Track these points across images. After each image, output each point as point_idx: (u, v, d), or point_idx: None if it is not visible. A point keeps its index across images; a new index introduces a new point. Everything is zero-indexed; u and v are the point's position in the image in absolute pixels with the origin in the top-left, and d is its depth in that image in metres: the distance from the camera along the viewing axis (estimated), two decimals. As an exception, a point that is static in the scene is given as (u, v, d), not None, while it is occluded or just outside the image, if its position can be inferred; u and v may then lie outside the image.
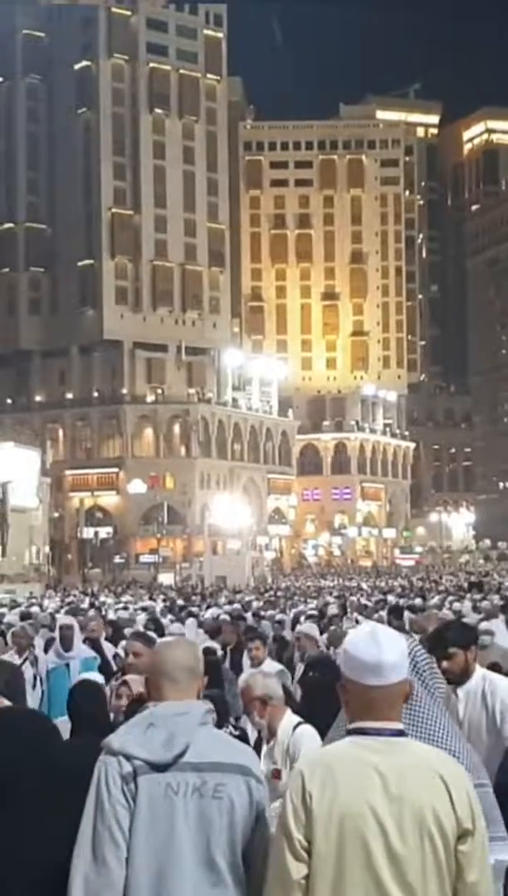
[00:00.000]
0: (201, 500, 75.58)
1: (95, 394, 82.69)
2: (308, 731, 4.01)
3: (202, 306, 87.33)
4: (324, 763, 2.13)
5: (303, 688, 5.32)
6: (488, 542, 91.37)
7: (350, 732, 2.17)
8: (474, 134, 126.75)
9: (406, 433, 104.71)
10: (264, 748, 4.07)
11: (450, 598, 20.55)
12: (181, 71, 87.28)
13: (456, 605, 16.98)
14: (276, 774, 3.91)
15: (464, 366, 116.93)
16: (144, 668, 4.96)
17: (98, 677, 4.78)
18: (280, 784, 3.69)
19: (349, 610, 16.58)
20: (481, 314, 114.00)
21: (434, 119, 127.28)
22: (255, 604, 20.61)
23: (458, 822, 2.07)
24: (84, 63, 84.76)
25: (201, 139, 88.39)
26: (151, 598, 27.48)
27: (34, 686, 7.55)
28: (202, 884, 2.26)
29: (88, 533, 73.46)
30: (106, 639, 9.56)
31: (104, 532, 74.05)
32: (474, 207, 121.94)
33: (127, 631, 10.79)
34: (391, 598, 21.39)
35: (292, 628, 12.21)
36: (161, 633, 9.65)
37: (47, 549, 65.88)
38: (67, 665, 7.10)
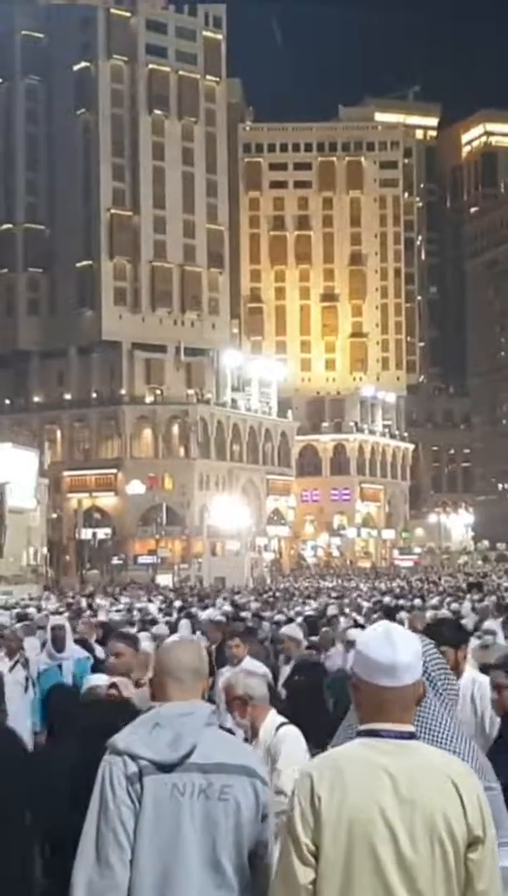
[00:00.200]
0: (200, 501, 75.53)
1: (94, 394, 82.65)
2: (292, 731, 3.95)
3: (201, 307, 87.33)
4: (334, 765, 2.08)
5: (289, 691, 5.27)
6: (486, 543, 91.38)
7: (361, 734, 2.12)
8: (473, 136, 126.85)
9: (405, 434, 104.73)
10: None
11: (448, 598, 20.53)
12: (180, 72, 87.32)
13: (454, 606, 16.96)
14: None
15: (463, 367, 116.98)
16: (125, 668, 4.90)
17: (101, 679, 4.69)
18: None
19: (346, 610, 16.52)
20: (480, 316, 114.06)
21: (433, 121, 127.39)
22: (253, 605, 20.57)
23: (469, 828, 2.03)
24: (83, 64, 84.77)
25: (201, 140, 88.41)
26: (148, 600, 27.45)
27: (26, 689, 7.47)
28: (207, 886, 2.23)
29: (86, 534, 73.37)
30: (96, 640, 9.50)
31: (102, 533, 73.98)
32: (473, 209, 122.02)
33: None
34: (386, 599, 21.34)
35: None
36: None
37: (45, 550, 65.80)
38: (60, 666, 7.03)
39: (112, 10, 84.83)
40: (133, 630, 11.07)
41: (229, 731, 4.95)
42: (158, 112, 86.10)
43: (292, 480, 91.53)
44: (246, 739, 4.09)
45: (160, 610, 19.71)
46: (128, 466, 78.33)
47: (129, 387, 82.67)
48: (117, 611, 19.08)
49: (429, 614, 13.54)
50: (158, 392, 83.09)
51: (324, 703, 4.59)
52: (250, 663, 6.38)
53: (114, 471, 79.25)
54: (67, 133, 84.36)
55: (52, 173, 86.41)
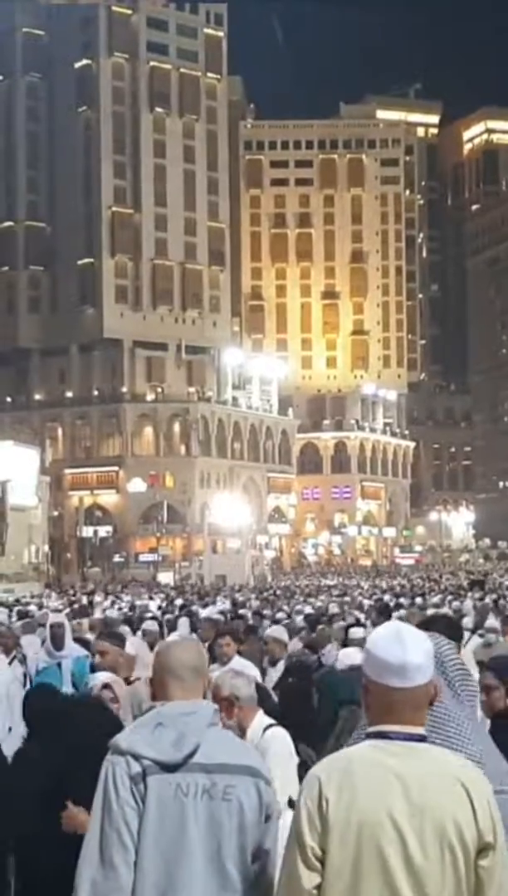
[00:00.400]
0: (201, 499, 75.55)
1: (95, 392, 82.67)
2: (279, 733, 3.90)
3: (202, 305, 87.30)
4: (342, 767, 2.04)
5: (280, 692, 5.22)
6: (488, 541, 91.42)
7: (370, 735, 2.08)
8: (474, 134, 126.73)
9: (406, 432, 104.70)
10: None
11: (449, 597, 20.54)
12: (182, 70, 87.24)
13: (455, 604, 16.97)
14: None
15: (464, 365, 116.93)
16: (110, 666, 4.83)
17: (105, 678, 4.62)
18: None
19: (345, 609, 16.53)
20: (481, 313, 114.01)
21: (435, 119, 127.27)
22: (254, 603, 20.58)
23: (479, 834, 1.99)
24: (84, 61, 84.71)
25: (202, 138, 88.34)
26: (150, 597, 27.48)
27: (24, 685, 7.48)
28: (211, 887, 2.22)
29: (87, 532, 73.40)
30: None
31: (104, 531, 74.01)
32: (474, 207, 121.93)
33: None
34: (387, 597, 21.36)
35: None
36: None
37: (46, 547, 65.81)
38: (59, 664, 7.03)
39: (113, 8, 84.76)
40: (127, 628, 11.10)
41: None
42: (159, 109, 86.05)
43: (292, 478, 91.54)
44: None
45: (159, 608, 19.74)
46: (129, 464, 78.36)
47: (130, 385, 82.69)
48: (119, 609, 19.09)
49: (430, 612, 13.56)
50: (160, 390, 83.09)
51: (314, 705, 4.57)
52: (238, 663, 6.32)
53: (115, 468, 79.29)
54: (68, 131, 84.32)
55: (53, 171, 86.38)
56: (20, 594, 31.39)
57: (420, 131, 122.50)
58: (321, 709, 4.40)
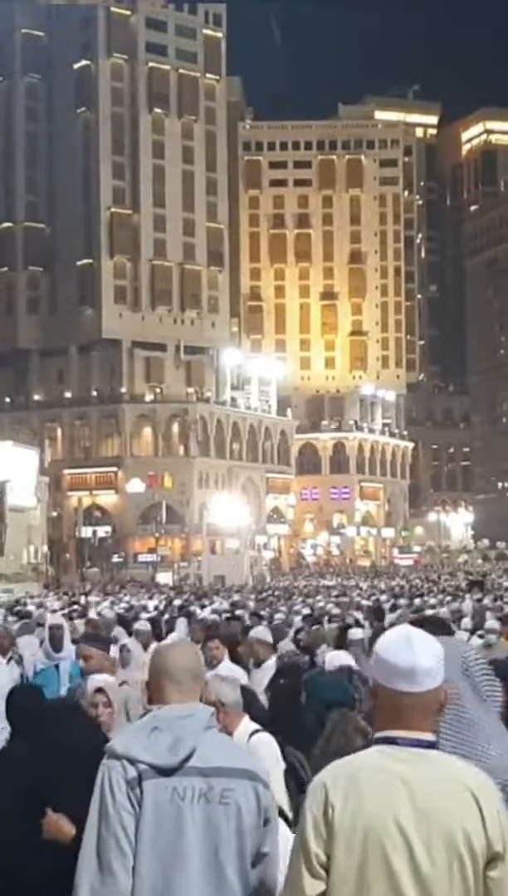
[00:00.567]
0: (200, 500, 75.56)
1: (94, 393, 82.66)
2: (265, 738, 3.85)
3: (201, 306, 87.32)
4: (348, 773, 2.01)
5: (272, 694, 5.18)
6: (486, 541, 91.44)
7: (378, 741, 2.05)
8: (472, 134, 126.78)
9: (405, 433, 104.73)
10: None
11: (448, 598, 20.58)
12: (180, 70, 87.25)
13: (454, 605, 17.01)
14: None
15: (463, 365, 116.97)
16: (95, 671, 4.71)
17: (99, 681, 4.62)
18: None
19: (344, 610, 16.55)
20: (479, 314, 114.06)
21: (433, 119, 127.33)
22: (251, 603, 20.60)
23: (489, 843, 1.94)
24: (83, 62, 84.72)
25: (201, 139, 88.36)
26: (149, 597, 27.51)
27: None
28: (209, 892, 2.20)
29: (86, 532, 73.39)
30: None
31: (102, 531, 74.01)
32: (472, 208, 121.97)
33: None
34: (383, 598, 21.38)
35: (288, 626, 12.19)
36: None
37: (45, 548, 65.80)
38: (57, 666, 7.02)
39: (112, 9, 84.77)
40: (122, 628, 11.11)
41: None
42: (158, 110, 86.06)
43: (291, 479, 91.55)
44: None
45: (155, 608, 19.76)
46: (128, 465, 78.36)
47: (129, 385, 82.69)
48: (120, 609, 19.12)
49: (429, 613, 13.60)
50: (158, 390, 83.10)
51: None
52: (226, 667, 6.22)
53: (114, 469, 79.29)
54: (68, 131, 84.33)
55: (52, 172, 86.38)
56: (19, 594, 31.43)
57: (419, 132, 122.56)
58: (308, 711, 4.38)
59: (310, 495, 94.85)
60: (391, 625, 10.71)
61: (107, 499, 78.88)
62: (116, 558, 72.29)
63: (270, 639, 7.13)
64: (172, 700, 2.35)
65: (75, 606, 21.05)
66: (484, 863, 1.94)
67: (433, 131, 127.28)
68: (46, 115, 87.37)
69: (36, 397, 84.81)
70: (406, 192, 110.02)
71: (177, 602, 22.75)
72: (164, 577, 55.16)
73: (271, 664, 6.68)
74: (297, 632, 11.15)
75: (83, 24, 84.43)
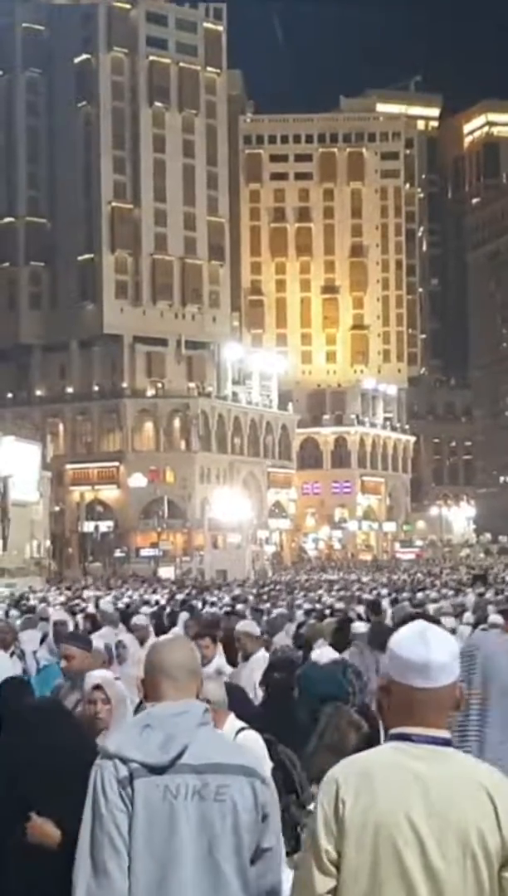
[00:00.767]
0: (202, 494, 75.62)
1: (96, 388, 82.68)
2: (251, 736, 3.81)
3: (202, 300, 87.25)
4: (361, 769, 1.99)
5: (266, 689, 5.15)
6: (488, 535, 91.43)
7: (393, 738, 2.02)
8: (474, 127, 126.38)
9: (407, 427, 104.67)
10: None
11: (450, 592, 20.61)
12: (181, 64, 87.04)
13: (457, 599, 17.04)
14: None
15: (465, 359, 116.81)
16: (77, 671, 4.68)
17: (98, 677, 4.59)
18: None
19: (347, 604, 16.59)
20: (481, 307, 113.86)
21: (435, 112, 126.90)
22: (252, 598, 20.64)
23: (504, 843, 1.91)
24: (84, 57, 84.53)
25: (201, 132, 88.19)
26: (153, 591, 27.58)
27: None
28: (205, 889, 2.19)
29: (88, 527, 73.52)
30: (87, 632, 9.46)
31: (105, 526, 74.13)
32: (474, 200, 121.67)
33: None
34: (383, 592, 21.41)
35: (290, 621, 12.24)
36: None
37: (48, 542, 65.96)
38: (60, 662, 7.04)
39: (112, 3, 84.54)
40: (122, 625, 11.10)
41: None
42: (158, 104, 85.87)
43: (292, 473, 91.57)
44: None
45: (157, 602, 19.79)
46: (129, 459, 78.41)
47: (130, 380, 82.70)
48: (121, 604, 19.18)
49: (432, 607, 13.63)
50: (160, 385, 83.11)
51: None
52: (218, 662, 6.17)
53: (116, 464, 79.34)
54: (68, 126, 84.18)
55: (53, 166, 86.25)
56: (21, 589, 31.50)
57: (420, 124, 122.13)
58: (301, 705, 4.37)
59: (311, 490, 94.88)
60: (392, 618, 10.73)
61: (109, 493, 78.96)
62: (118, 553, 72.40)
63: (257, 632, 7.02)
64: (168, 697, 2.34)
65: (77, 601, 21.11)
66: (500, 864, 1.91)
67: (434, 124, 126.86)
68: (47, 109, 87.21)
69: (38, 392, 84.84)
70: (408, 185, 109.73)
71: (180, 596, 22.80)
72: (166, 572, 55.23)
73: (258, 657, 6.60)
74: (299, 626, 11.19)
75: (84, 18, 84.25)
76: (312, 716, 4.02)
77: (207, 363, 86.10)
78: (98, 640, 7.88)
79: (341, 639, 7.42)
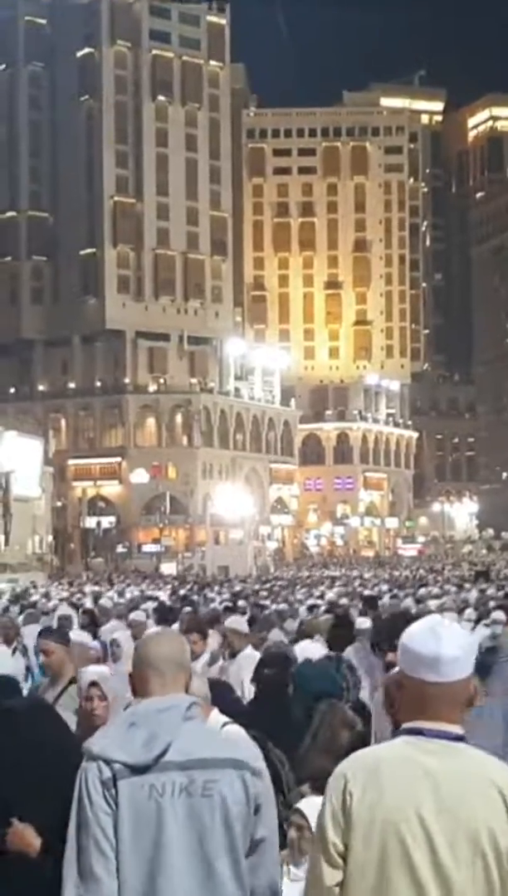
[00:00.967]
0: (204, 490, 75.57)
1: (98, 383, 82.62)
2: (234, 731, 3.76)
3: (204, 295, 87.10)
4: (370, 764, 1.98)
5: (257, 685, 5.04)
6: (491, 531, 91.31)
7: (404, 732, 2.01)
8: (478, 121, 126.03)
9: (409, 423, 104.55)
10: None
11: (453, 588, 20.50)
12: (184, 58, 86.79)
13: (461, 596, 16.91)
14: None
15: (468, 355, 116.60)
16: (58, 665, 4.67)
17: (94, 674, 4.48)
18: None
19: (350, 600, 16.45)
20: (485, 302, 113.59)
21: (439, 106, 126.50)
22: (257, 594, 20.53)
23: None
24: (86, 50, 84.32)
25: (204, 126, 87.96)
26: (157, 587, 27.48)
27: (26, 678, 7.41)
28: (198, 885, 2.15)
29: (90, 522, 73.55)
30: (81, 626, 9.39)
31: (107, 522, 74.14)
32: (479, 195, 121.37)
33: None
34: (384, 588, 21.31)
35: (292, 617, 12.10)
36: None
37: (50, 538, 66.03)
38: None
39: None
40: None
41: None
42: (161, 98, 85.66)
43: (295, 469, 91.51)
44: None
45: (157, 599, 19.65)
46: (132, 455, 78.38)
47: (132, 375, 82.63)
48: (122, 600, 19.06)
49: (434, 603, 13.49)
50: (162, 381, 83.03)
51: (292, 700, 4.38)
52: (204, 660, 6.10)
53: (118, 459, 79.32)
54: (71, 120, 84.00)
55: (55, 160, 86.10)
56: (24, 584, 31.43)
57: (424, 118, 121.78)
58: (296, 703, 4.24)
59: (314, 485, 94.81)
60: (383, 614, 10.59)
61: (111, 489, 78.95)
62: (120, 549, 72.41)
63: (245, 629, 6.94)
64: (155, 692, 2.29)
65: (79, 595, 21.03)
66: None
67: (438, 118, 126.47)
68: (49, 103, 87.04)
69: (40, 388, 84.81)
70: (412, 180, 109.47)
71: (182, 592, 22.72)
72: (168, 568, 55.24)
73: (246, 655, 6.50)
74: (302, 623, 11.07)
75: (86, 11, 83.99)
76: (306, 714, 3.89)
77: (209, 359, 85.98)
78: (106, 634, 7.76)
79: (337, 635, 7.27)
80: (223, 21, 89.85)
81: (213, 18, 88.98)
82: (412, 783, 1.92)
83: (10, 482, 51.21)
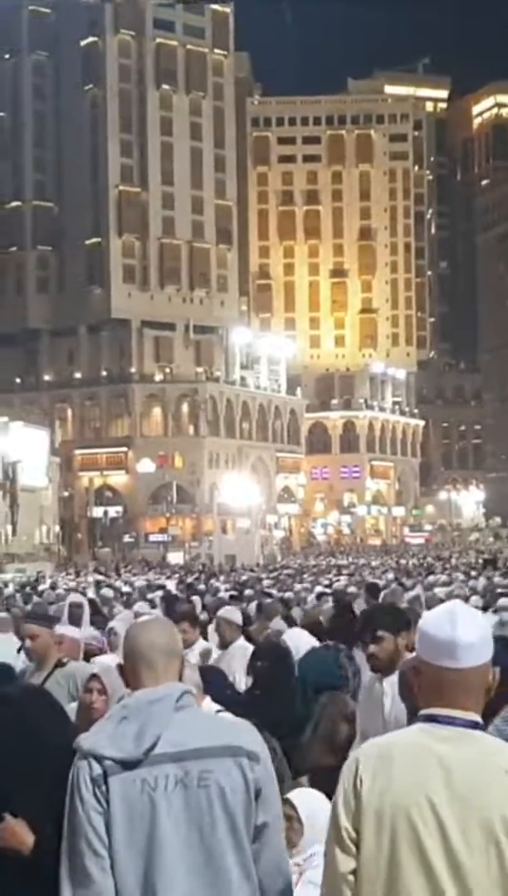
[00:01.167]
0: (210, 479, 75.67)
1: (104, 373, 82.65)
2: (227, 717, 3.65)
3: (210, 284, 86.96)
4: (382, 750, 1.97)
5: (253, 678, 5.05)
6: (498, 519, 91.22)
7: (421, 719, 1.99)
8: (483, 108, 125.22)
9: (416, 411, 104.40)
10: None
11: (460, 576, 20.56)
12: (188, 46, 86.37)
13: (468, 583, 16.98)
14: None
15: (474, 343, 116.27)
16: (43, 650, 4.57)
17: (101, 664, 4.49)
18: None
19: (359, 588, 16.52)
20: (491, 290, 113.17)
21: (443, 93, 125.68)
22: (264, 582, 20.62)
23: None
24: (91, 39, 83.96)
25: (209, 115, 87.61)
26: (167, 577, 27.57)
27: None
28: (200, 877, 2.11)
29: (97, 512, 73.69)
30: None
31: (113, 511, 74.27)
32: (484, 182, 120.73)
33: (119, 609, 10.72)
34: (390, 576, 21.38)
35: (298, 605, 12.19)
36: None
37: (57, 528, 66.21)
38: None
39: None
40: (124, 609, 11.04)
41: None
42: (165, 87, 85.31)
43: (301, 458, 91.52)
44: None
45: (162, 587, 19.76)
46: (138, 445, 78.47)
47: (138, 365, 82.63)
48: (127, 589, 19.18)
49: (442, 591, 13.56)
50: (168, 370, 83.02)
51: (290, 690, 4.33)
52: (201, 646, 6.09)
53: (124, 449, 79.42)
54: (75, 109, 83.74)
55: (60, 150, 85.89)
56: (31, 574, 31.62)
57: (429, 106, 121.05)
58: (296, 694, 4.24)
59: (320, 474, 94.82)
60: (383, 601, 10.65)
61: (117, 479, 79.09)
62: (127, 538, 72.59)
63: (238, 619, 6.83)
64: (146, 683, 2.24)
65: (85, 584, 21.15)
66: None
67: (443, 105, 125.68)
68: (54, 92, 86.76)
69: (46, 377, 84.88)
70: (416, 167, 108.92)
71: (189, 580, 22.82)
72: (175, 557, 55.40)
73: (237, 646, 6.44)
74: (305, 612, 11.12)
75: (90, 0, 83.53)
76: (307, 705, 3.91)
77: (215, 347, 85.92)
78: (119, 623, 7.81)
79: (339, 624, 7.27)
80: (227, 9, 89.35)
81: (217, 7, 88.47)
82: (423, 770, 1.90)
83: (17, 472, 51.34)
